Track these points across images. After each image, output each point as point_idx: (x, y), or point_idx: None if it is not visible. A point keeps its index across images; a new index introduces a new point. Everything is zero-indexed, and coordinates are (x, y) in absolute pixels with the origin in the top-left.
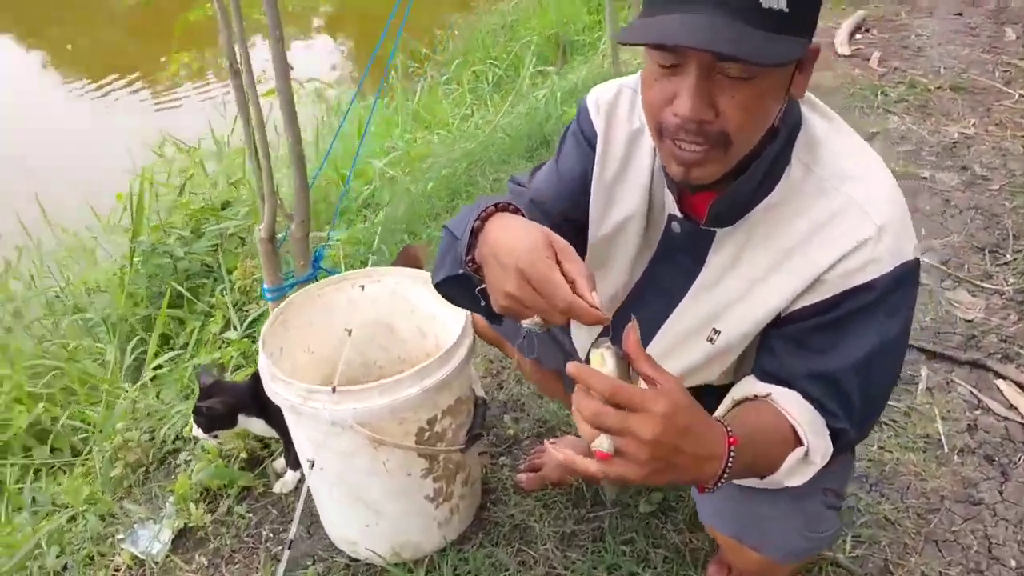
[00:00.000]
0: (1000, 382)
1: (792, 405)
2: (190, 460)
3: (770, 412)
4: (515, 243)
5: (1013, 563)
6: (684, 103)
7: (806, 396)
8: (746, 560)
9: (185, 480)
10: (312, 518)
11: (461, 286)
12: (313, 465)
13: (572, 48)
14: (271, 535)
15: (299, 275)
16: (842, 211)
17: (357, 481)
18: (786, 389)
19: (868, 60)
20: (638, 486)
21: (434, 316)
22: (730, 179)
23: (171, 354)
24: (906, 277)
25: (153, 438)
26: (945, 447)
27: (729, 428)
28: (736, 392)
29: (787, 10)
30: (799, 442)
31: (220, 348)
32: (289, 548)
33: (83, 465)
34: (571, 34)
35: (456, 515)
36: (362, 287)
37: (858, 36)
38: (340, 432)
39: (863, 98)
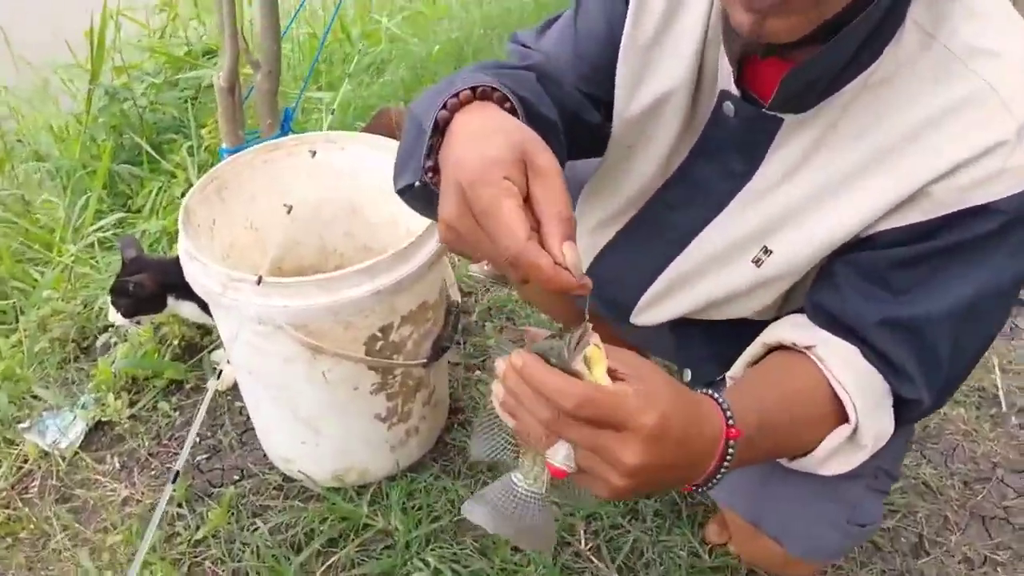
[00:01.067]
0: None
1: (842, 366)
2: (118, 343)
3: (807, 374)
4: (467, 152)
5: None
6: None
7: (872, 351)
8: (761, 550)
9: (106, 366)
10: (245, 424)
11: (427, 199)
12: (220, 374)
13: None
14: (197, 441)
15: (265, 136)
16: (971, 100)
17: (292, 392)
18: (839, 341)
19: None
20: None
21: None
22: (815, 43)
23: (120, 215)
24: None
25: (86, 311)
26: (1003, 404)
27: (730, 416)
28: (769, 335)
29: None
30: (845, 418)
31: (175, 214)
32: (174, 482)
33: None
34: None
35: (414, 438)
36: (312, 153)
37: None
38: (269, 333)
39: None
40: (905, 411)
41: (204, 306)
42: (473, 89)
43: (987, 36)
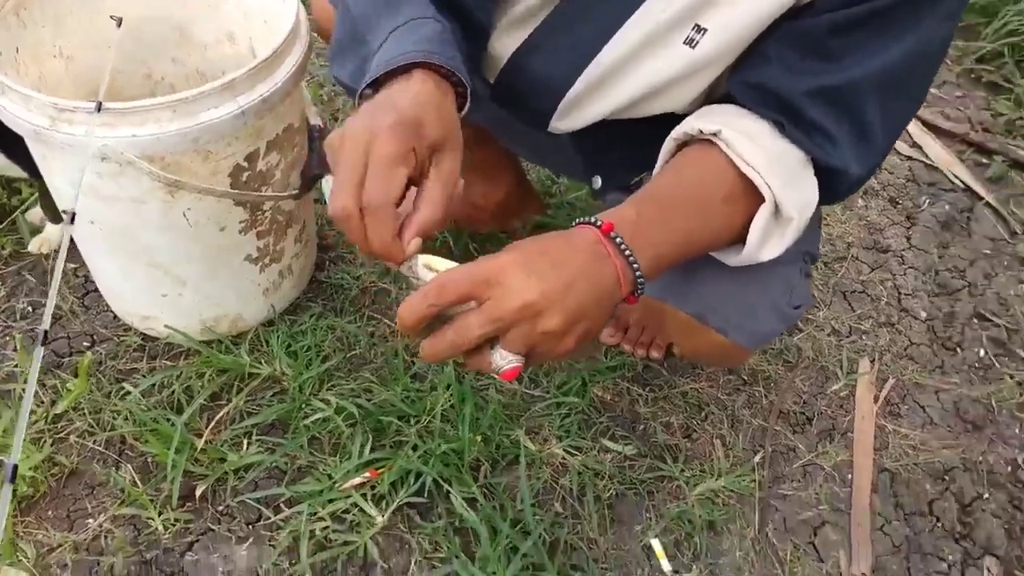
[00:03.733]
0: None
1: (749, 146)
2: None
3: (709, 159)
4: (395, 113)
5: (923, 314)
6: None
7: (800, 121)
8: (703, 344)
9: None
10: (86, 287)
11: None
12: (74, 219)
13: None
14: (30, 309)
15: None
16: None
17: (148, 240)
18: (747, 121)
19: None
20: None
21: (246, 13)
22: None
23: None
24: None
25: None
26: None
27: (593, 220)
28: (678, 129)
29: None
30: (760, 198)
31: None
32: (44, 343)
33: None
34: None
35: (287, 279)
36: None
37: None
38: (116, 171)
39: None
40: (834, 182)
41: (11, 154)
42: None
43: None
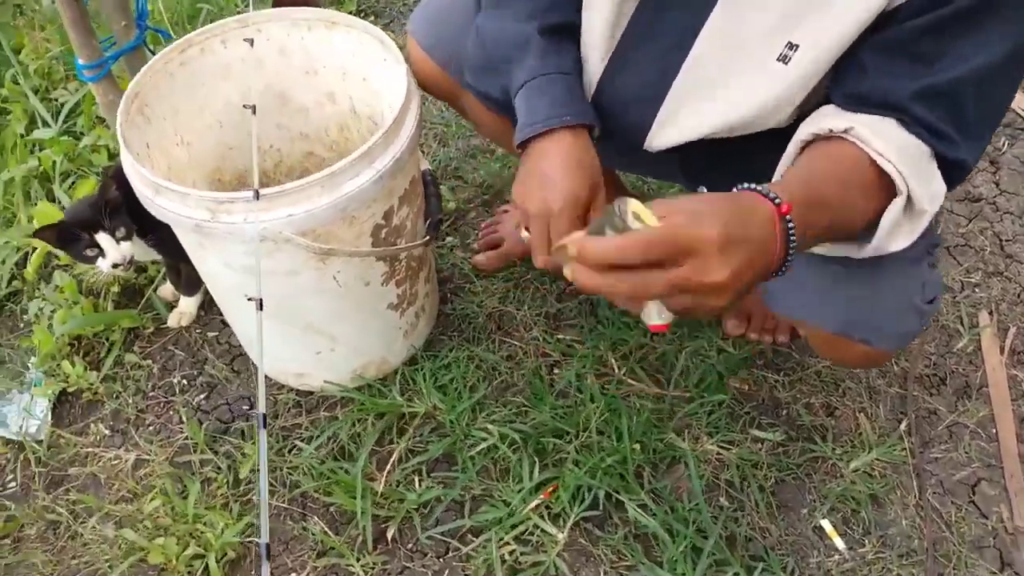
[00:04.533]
0: None
1: (882, 140)
2: (43, 307)
3: (848, 154)
4: (552, 182)
5: None
6: None
7: (913, 122)
8: (848, 354)
9: (46, 334)
10: (232, 351)
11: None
12: (261, 304)
13: None
14: (186, 383)
15: (123, 41)
16: None
17: (303, 306)
18: (875, 118)
19: None
20: None
21: (344, 73)
22: None
23: None
24: None
25: None
26: None
27: (773, 196)
28: (803, 131)
29: None
30: (893, 192)
31: (34, 153)
32: (264, 426)
33: None
34: None
35: (422, 318)
36: (250, 42)
37: None
38: (273, 248)
39: None
40: (953, 174)
41: (149, 239)
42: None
43: None
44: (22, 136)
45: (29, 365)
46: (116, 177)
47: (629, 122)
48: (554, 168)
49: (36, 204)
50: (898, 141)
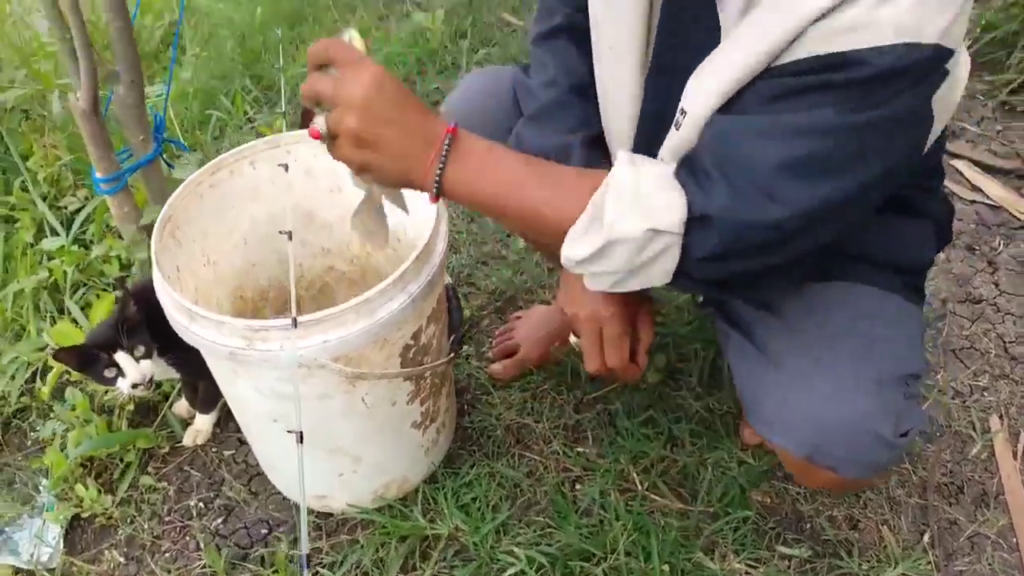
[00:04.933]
0: (957, 162)
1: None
2: (55, 428)
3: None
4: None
5: None
6: None
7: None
8: (822, 479)
9: (59, 456)
10: (249, 471)
11: None
12: (302, 437)
13: None
14: (203, 506)
15: (140, 154)
16: None
17: (331, 429)
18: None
19: None
20: None
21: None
22: None
23: None
24: (912, 68)
25: None
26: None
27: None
28: None
29: None
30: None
31: (42, 263)
32: (308, 567)
33: None
34: None
35: (442, 434)
36: (285, 167)
37: None
38: (306, 374)
39: None
40: (703, 233)
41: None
42: None
43: None
44: (31, 245)
45: (40, 487)
46: (135, 294)
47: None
48: (607, 302)
49: (46, 316)
50: (641, 170)
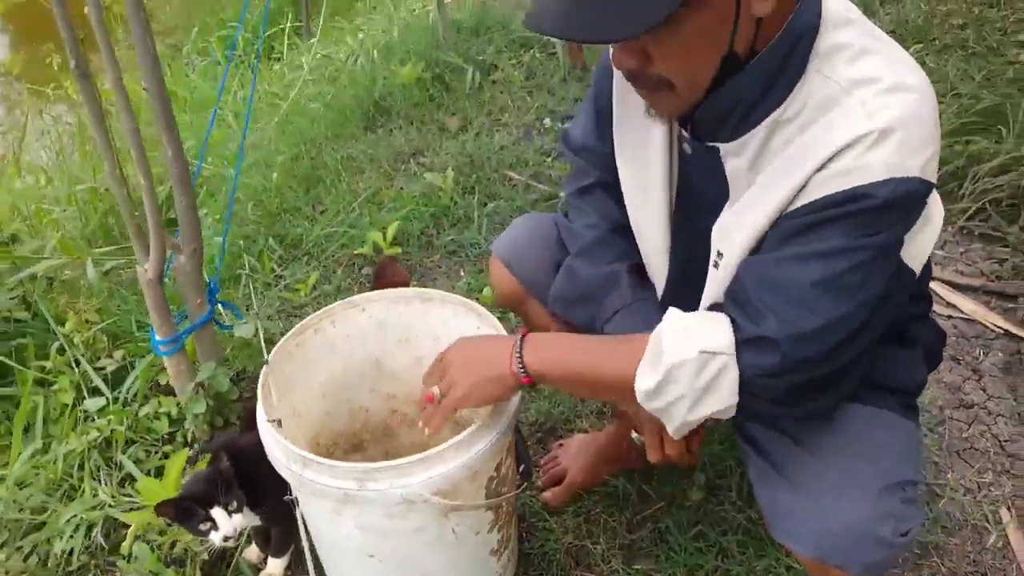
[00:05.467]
0: (931, 283)
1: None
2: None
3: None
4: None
5: None
6: (614, 54)
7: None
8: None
9: None
10: None
11: None
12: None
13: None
14: None
15: (195, 316)
16: (843, 110)
17: (422, 559)
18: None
19: None
20: (679, 475)
21: (435, 338)
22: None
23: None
24: (903, 199)
25: (45, 561)
26: None
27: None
28: None
29: None
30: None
31: (86, 423)
32: None
33: None
34: None
35: (511, 560)
36: (375, 317)
37: None
38: (407, 508)
39: None
40: (757, 352)
41: (257, 508)
42: None
43: (870, 69)
44: (67, 407)
45: None
46: (226, 449)
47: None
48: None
49: (97, 475)
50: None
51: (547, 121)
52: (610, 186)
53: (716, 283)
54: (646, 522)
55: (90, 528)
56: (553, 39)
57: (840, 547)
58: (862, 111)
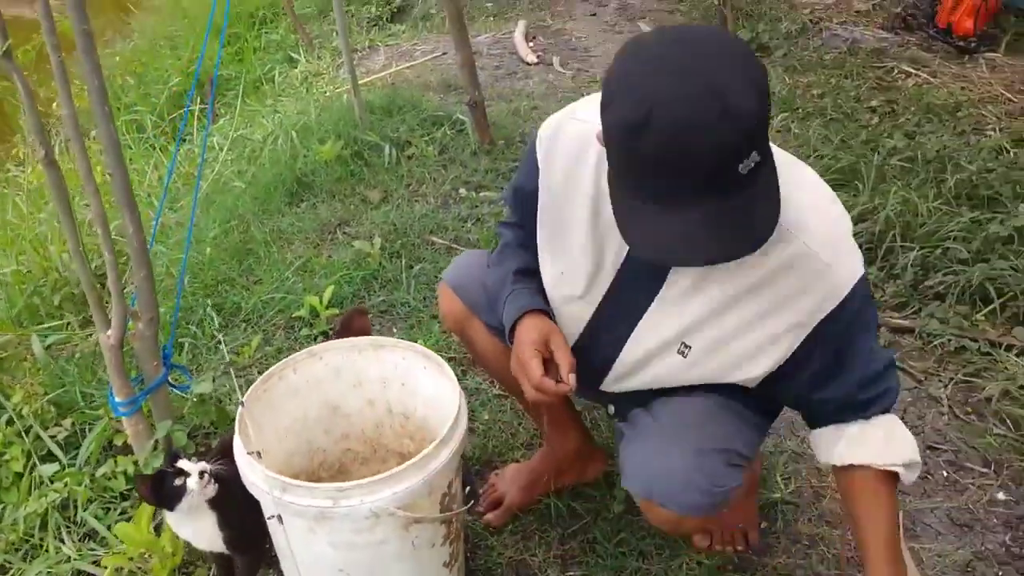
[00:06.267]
0: None
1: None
2: None
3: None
4: (520, 339)
5: None
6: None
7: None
8: (658, 517)
9: None
10: None
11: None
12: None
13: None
14: None
15: (151, 378)
16: (800, 261)
17: (384, 571)
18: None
19: (552, 65)
20: (602, 492)
21: (385, 382)
22: None
23: None
24: (863, 286)
25: None
26: None
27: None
28: (842, 459)
29: (759, 160)
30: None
31: (41, 488)
32: None
33: None
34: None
35: (461, 573)
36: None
37: (531, 44)
38: (374, 523)
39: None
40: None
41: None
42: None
43: (802, 209)
44: (19, 475)
45: None
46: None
47: (590, 374)
48: (527, 333)
49: (59, 534)
50: (875, 440)
51: (462, 191)
52: (527, 238)
53: (685, 366)
54: (576, 534)
55: None
56: (463, 119)
57: (663, 489)
58: (815, 260)
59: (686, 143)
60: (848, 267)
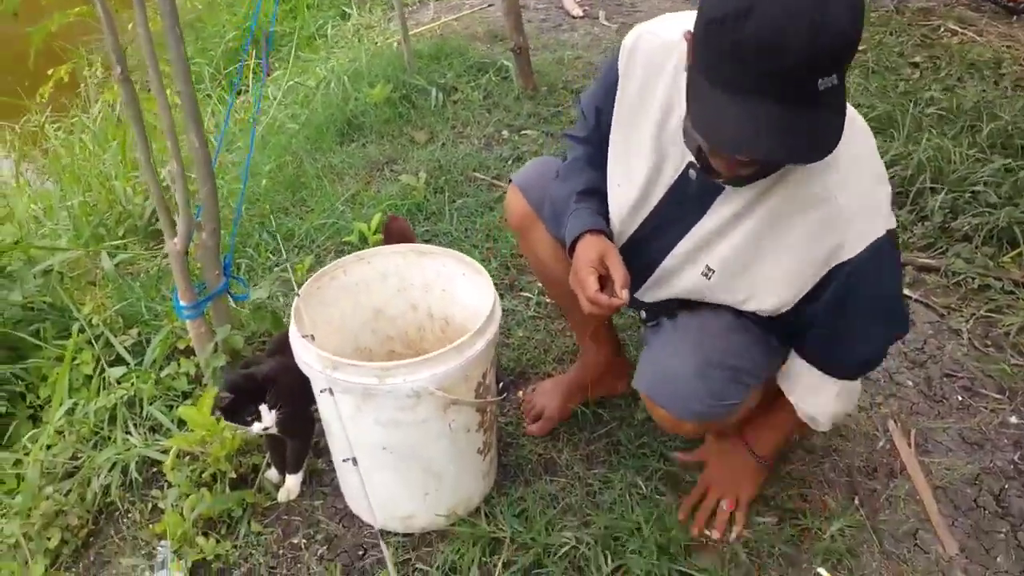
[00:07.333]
0: None
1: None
2: (156, 499)
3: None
4: (579, 256)
5: (910, 383)
6: (730, 164)
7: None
8: (659, 415)
9: (178, 518)
10: (339, 513)
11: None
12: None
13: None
14: (305, 541)
15: (212, 287)
16: (831, 212)
17: (426, 448)
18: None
19: (597, 18)
20: (626, 402)
21: (427, 287)
22: None
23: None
24: (883, 246)
25: (83, 497)
26: None
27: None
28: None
29: (835, 83)
30: None
31: (110, 386)
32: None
33: None
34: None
35: (493, 463)
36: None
37: None
38: (416, 402)
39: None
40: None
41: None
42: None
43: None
44: (91, 378)
45: (161, 547)
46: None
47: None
48: (586, 250)
49: (127, 427)
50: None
51: (505, 133)
52: (595, 153)
53: (708, 286)
54: (601, 438)
55: (124, 469)
56: (508, 65)
57: (663, 391)
58: (842, 215)
59: (782, 38)
60: (876, 225)
